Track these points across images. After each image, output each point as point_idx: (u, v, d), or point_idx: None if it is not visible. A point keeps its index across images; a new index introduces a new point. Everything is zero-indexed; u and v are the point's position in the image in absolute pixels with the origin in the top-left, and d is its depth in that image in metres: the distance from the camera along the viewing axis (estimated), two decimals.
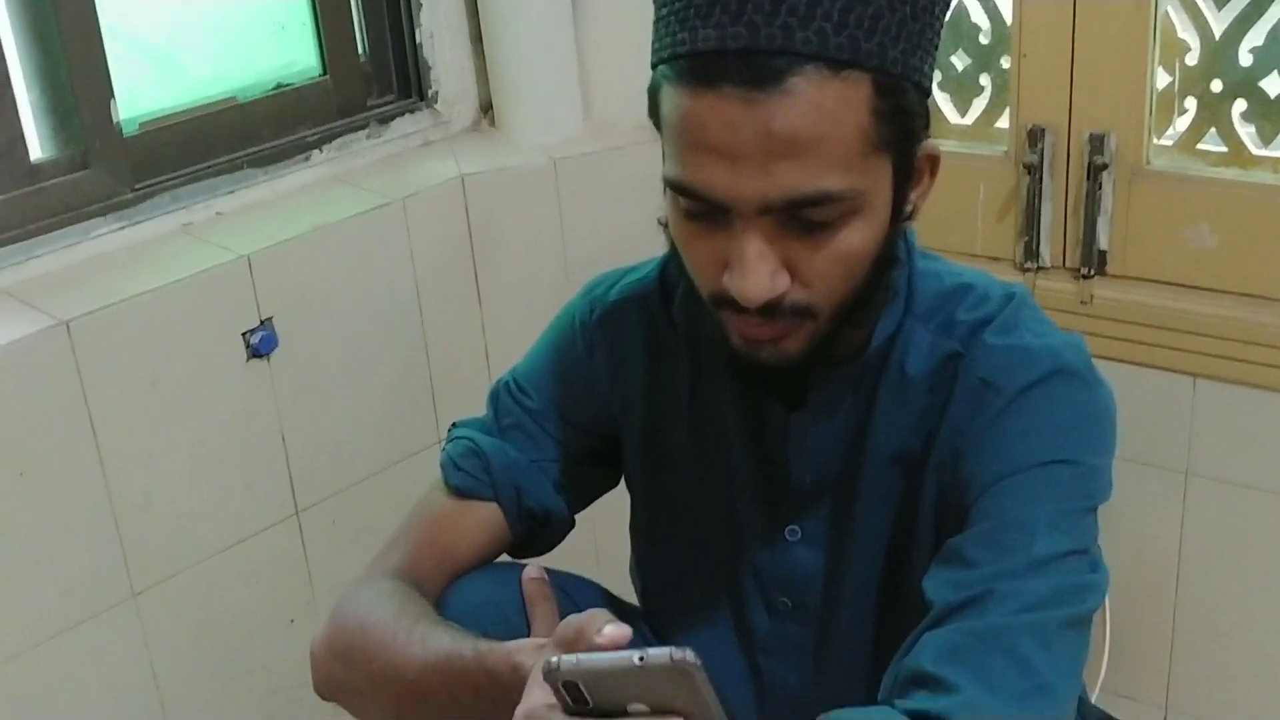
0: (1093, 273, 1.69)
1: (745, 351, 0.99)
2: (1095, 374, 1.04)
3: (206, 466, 1.59)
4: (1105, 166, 1.63)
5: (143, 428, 1.52)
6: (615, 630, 0.86)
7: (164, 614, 1.58)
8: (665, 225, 1.02)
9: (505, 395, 1.22)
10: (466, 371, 1.83)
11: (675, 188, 0.95)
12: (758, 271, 0.93)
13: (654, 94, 0.96)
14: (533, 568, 1.18)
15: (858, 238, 0.95)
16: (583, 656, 0.81)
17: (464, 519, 1.18)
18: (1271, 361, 1.62)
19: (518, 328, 1.64)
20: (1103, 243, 1.68)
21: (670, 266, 1.15)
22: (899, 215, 0.99)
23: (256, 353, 1.60)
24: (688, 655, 0.78)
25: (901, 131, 0.95)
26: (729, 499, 1.16)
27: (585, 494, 1.25)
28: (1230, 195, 1.61)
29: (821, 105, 0.89)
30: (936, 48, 0.97)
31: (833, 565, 1.12)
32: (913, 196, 1.00)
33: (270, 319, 1.60)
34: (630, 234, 1.61)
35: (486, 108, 1.94)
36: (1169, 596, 1.81)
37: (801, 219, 0.92)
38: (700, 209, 0.94)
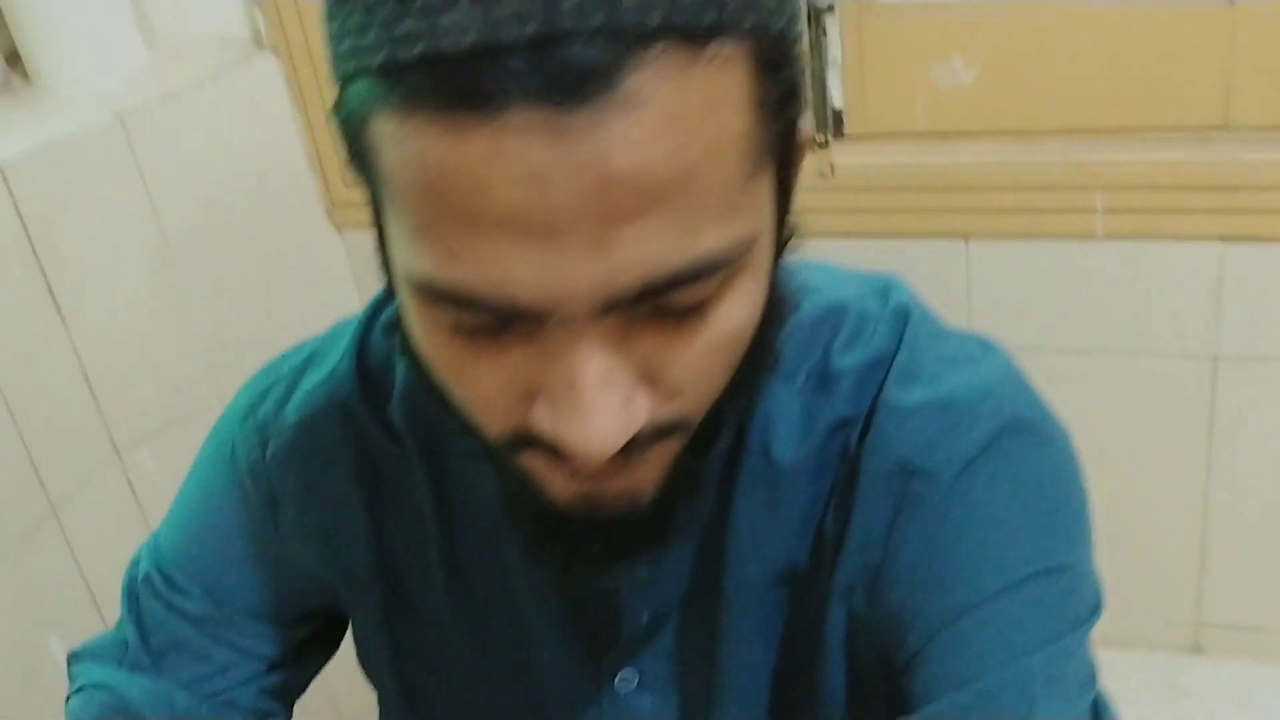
0: (829, 138, 1.37)
1: (571, 508, 0.60)
2: (1044, 406, 0.71)
3: None
4: (829, 8, 1.30)
5: None
6: None
7: None
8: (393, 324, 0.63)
9: (150, 598, 0.80)
10: (68, 416, 1.39)
11: (436, 294, 0.53)
12: (603, 408, 0.53)
13: (354, 126, 0.53)
14: None
15: (742, 308, 0.56)
16: None
17: None
18: (1050, 207, 1.35)
19: (121, 339, 1.31)
20: (836, 100, 1.35)
21: (370, 346, 0.75)
22: (783, 243, 0.61)
23: None
24: None
25: (787, 122, 0.56)
26: (524, 657, 0.78)
27: (298, 689, 0.86)
28: (981, 17, 1.30)
29: (683, 115, 0.49)
30: None
31: (691, 714, 0.76)
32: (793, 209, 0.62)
33: None
34: (238, 181, 1.19)
35: (13, 58, 1.45)
36: None
37: (663, 306, 0.53)
38: (485, 321, 0.54)
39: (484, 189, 0.49)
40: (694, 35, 0.49)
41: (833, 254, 1.42)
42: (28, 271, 1.35)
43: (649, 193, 0.49)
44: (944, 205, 1.37)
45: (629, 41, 0.47)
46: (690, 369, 0.56)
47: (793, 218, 0.62)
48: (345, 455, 0.76)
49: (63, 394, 1.39)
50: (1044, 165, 1.32)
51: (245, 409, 0.79)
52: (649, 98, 0.48)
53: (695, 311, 0.54)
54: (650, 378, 0.55)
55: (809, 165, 1.35)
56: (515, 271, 0.50)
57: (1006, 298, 1.43)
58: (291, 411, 0.77)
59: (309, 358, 0.79)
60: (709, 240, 0.52)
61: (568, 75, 0.47)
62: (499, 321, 0.53)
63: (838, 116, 1.36)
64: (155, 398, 1.45)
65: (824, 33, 1.31)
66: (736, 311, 0.56)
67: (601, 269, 0.50)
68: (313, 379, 0.77)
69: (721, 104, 0.51)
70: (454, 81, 0.48)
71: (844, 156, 1.37)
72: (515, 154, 0.48)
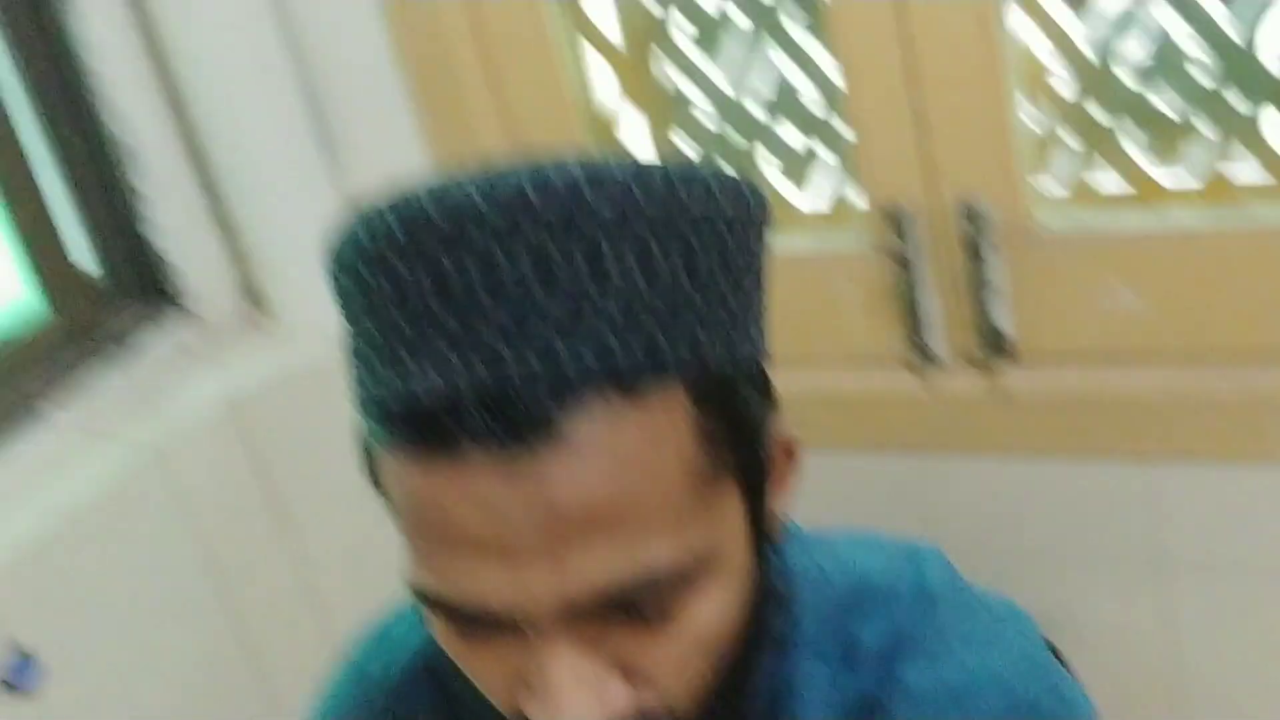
0: (999, 360, 1.38)
1: None
2: (1062, 688, 0.73)
3: None
4: (985, 238, 1.33)
5: None
6: None
7: None
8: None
9: None
10: (294, 629, 1.52)
11: (427, 601, 0.63)
12: (575, 703, 0.60)
13: (367, 452, 0.65)
14: None
15: (713, 608, 0.63)
16: None
17: None
18: (1228, 429, 1.32)
19: (345, 558, 1.44)
20: (1003, 324, 1.37)
21: None
22: (763, 539, 0.67)
23: (11, 688, 1.27)
24: None
25: (743, 441, 0.63)
26: None
27: None
28: (1142, 246, 1.30)
29: (621, 452, 0.57)
30: (763, 287, 0.65)
31: None
32: (775, 507, 0.69)
33: (24, 646, 1.27)
34: None
35: (251, 293, 1.63)
36: (1179, 708, 1.50)
37: (627, 608, 0.60)
38: (471, 624, 0.63)
39: (450, 516, 0.58)
40: (628, 380, 0.56)
41: (1005, 476, 1.43)
42: (256, 489, 1.50)
43: (592, 520, 0.57)
44: (1119, 427, 1.36)
45: (566, 390, 0.55)
46: (666, 663, 0.62)
47: (772, 518, 0.68)
48: (437, 711, 0.83)
49: (287, 598, 1.53)
50: (1219, 387, 1.30)
51: (355, 667, 0.88)
52: (586, 440, 0.56)
53: (660, 613, 0.61)
54: (627, 670, 0.62)
55: (981, 388, 1.36)
56: (483, 584, 0.59)
57: (1192, 521, 1.39)
58: (394, 673, 0.85)
59: (403, 621, 0.87)
60: (657, 554, 0.58)
61: (513, 422, 0.56)
62: (483, 623, 0.61)
63: (1006, 340, 1.37)
64: (375, 599, 1.56)
65: (983, 261, 1.34)
66: (705, 611, 0.62)
67: (557, 582, 0.58)
68: (414, 642, 0.85)
69: (661, 439, 0.58)
70: (424, 428, 0.57)
71: (1018, 379, 1.38)
72: (473, 488, 0.57)
